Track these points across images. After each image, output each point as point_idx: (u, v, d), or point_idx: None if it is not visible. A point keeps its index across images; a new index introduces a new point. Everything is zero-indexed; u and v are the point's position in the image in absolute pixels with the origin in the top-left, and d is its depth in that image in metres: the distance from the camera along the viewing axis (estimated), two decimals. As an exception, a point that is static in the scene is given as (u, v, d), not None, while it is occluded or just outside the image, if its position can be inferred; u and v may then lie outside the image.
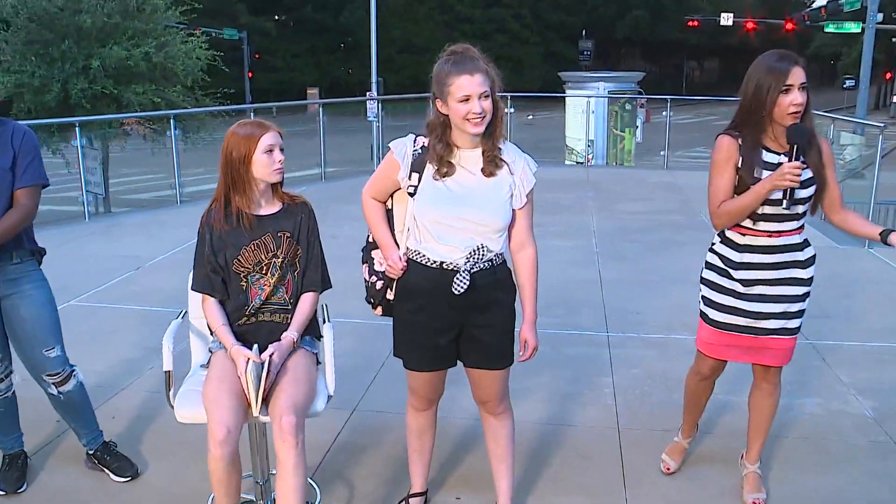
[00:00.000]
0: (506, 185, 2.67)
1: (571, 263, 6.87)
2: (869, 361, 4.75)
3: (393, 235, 2.82)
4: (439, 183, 2.64)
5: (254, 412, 2.70)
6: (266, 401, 2.71)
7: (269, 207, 2.93)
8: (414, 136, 2.74)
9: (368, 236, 2.92)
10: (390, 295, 2.84)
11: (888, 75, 52.04)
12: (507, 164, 2.67)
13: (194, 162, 15.53)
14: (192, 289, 2.93)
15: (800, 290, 2.98)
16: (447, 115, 2.60)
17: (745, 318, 3.00)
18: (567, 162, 15.24)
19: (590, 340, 5.06)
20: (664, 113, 12.85)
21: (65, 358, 3.24)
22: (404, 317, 2.80)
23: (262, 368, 2.70)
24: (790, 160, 2.75)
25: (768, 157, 2.86)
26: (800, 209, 2.90)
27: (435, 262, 2.66)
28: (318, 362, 3.00)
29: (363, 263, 2.94)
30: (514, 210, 2.70)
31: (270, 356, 2.74)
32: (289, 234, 2.92)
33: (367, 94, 18.00)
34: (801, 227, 2.96)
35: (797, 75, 2.73)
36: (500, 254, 2.73)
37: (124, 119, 11.77)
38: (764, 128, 2.86)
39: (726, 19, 40.25)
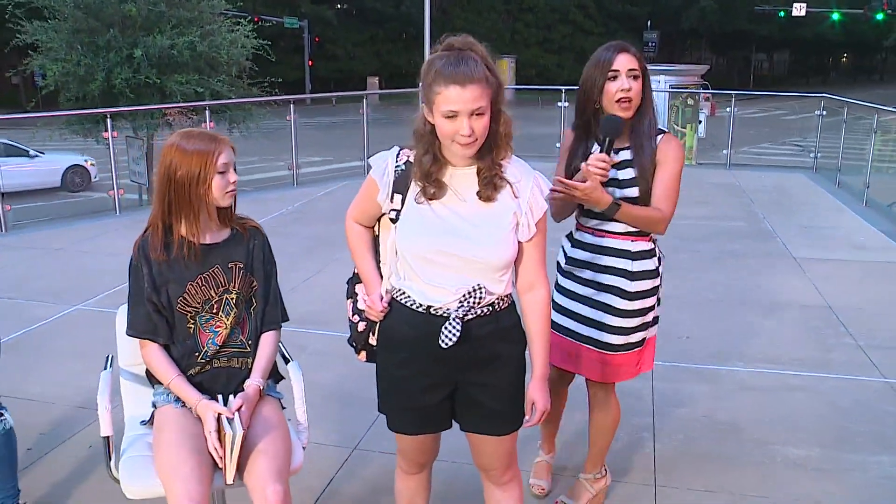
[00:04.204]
0: (509, 213, 2.13)
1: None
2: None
3: (379, 268, 2.35)
4: (424, 207, 2.13)
5: (227, 480, 2.27)
6: (238, 464, 2.27)
7: (216, 234, 2.48)
8: (398, 148, 2.22)
9: (355, 266, 2.45)
10: (373, 340, 2.37)
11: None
12: (511, 185, 2.14)
13: (245, 151, 15.44)
14: (129, 334, 2.46)
15: (621, 304, 2.76)
16: (434, 125, 2.08)
17: (563, 317, 2.86)
18: (625, 159, 14.48)
19: (631, 369, 4.51)
20: (728, 109, 12.09)
21: None
22: (387, 369, 2.30)
23: (235, 425, 2.26)
24: (601, 152, 2.58)
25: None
26: None
27: (421, 305, 2.16)
28: (283, 407, 2.57)
29: (347, 298, 2.48)
30: (520, 243, 2.18)
31: (238, 410, 2.31)
32: (241, 265, 2.47)
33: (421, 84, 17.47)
34: (638, 234, 2.74)
35: (623, 61, 2.61)
36: (506, 296, 2.20)
37: (166, 109, 11.51)
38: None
39: (799, 9, 38.77)
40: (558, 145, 13.31)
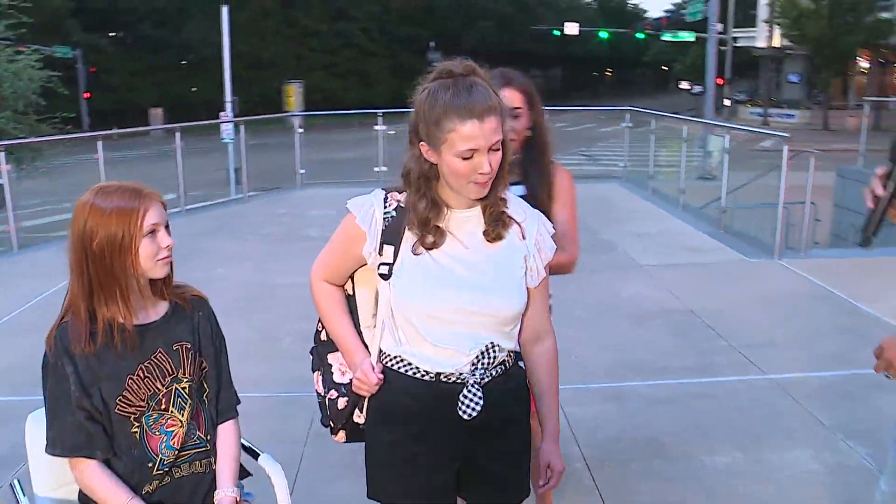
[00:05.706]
0: (519, 256, 1.91)
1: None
2: (835, 395, 4.35)
3: (358, 331, 2.02)
4: (425, 258, 1.85)
5: None
6: None
7: (152, 311, 2.01)
8: (384, 192, 1.93)
9: (318, 332, 2.11)
10: (360, 417, 2.05)
11: (720, 81, 55.28)
12: (519, 225, 1.93)
13: (33, 192, 14.10)
14: (55, 453, 1.92)
15: None
16: (435, 164, 1.83)
17: None
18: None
19: (536, 396, 4.42)
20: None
21: None
22: (386, 449, 1.97)
23: None
24: None
25: None
26: None
27: (427, 372, 1.88)
28: None
29: (314, 371, 2.13)
30: (528, 289, 1.96)
31: None
32: (188, 346, 2.04)
33: (221, 114, 16.76)
34: None
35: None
36: (514, 351, 1.99)
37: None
38: None
39: (571, 28, 41.20)
40: (376, 169, 13.43)
